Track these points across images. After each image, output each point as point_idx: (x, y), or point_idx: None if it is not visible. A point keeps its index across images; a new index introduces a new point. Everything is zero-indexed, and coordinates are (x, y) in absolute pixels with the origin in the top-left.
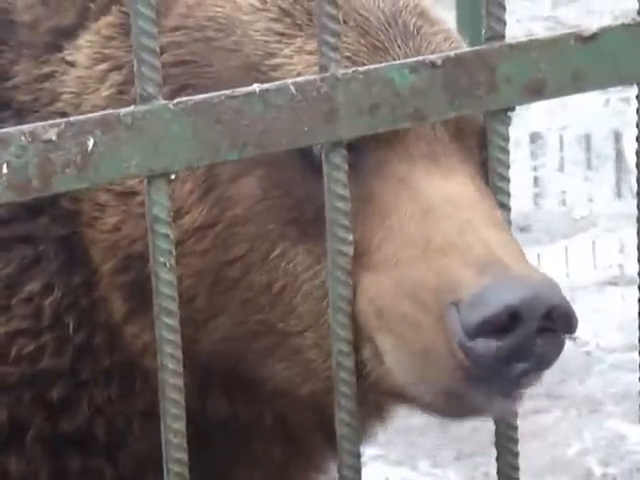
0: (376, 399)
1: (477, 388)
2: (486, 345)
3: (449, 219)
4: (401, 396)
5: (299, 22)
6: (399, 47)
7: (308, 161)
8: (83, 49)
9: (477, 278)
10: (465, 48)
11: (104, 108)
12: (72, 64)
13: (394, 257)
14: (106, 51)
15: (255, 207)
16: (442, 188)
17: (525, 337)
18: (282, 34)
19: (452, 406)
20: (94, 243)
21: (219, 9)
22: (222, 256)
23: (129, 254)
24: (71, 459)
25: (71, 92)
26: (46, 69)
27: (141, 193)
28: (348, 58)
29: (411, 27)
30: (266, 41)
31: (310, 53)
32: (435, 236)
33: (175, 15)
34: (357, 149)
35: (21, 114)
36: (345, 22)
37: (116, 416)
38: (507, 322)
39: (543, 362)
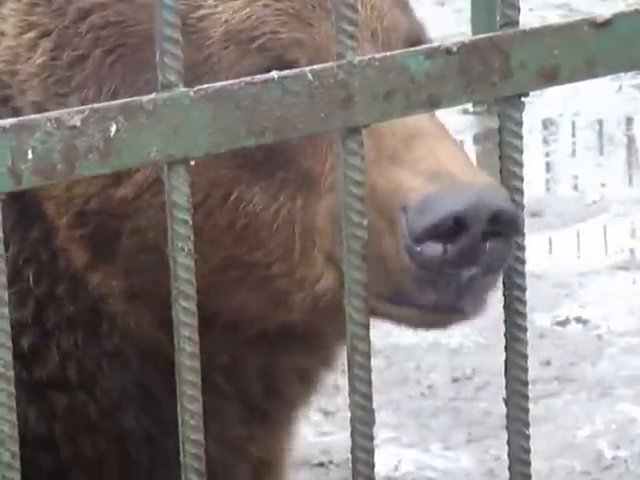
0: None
1: (423, 291)
2: (433, 249)
3: (396, 134)
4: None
5: None
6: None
7: None
8: (9, 18)
9: (424, 185)
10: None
11: (39, 75)
12: (1, 33)
13: None
14: (32, 18)
15: (208, 160)
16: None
17: (471, 241)
18: None
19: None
20: (47, 199)
21: None
22: None
23: (83, 210)
24: (56, 398)
25: (4, 60)
26: None
27: None
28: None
29: None
30: None
31: None
32: (384, 149)
33: None
34: None
35: None
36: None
37: (84, 359)
38: (453, 228)
39: (492, 266)
